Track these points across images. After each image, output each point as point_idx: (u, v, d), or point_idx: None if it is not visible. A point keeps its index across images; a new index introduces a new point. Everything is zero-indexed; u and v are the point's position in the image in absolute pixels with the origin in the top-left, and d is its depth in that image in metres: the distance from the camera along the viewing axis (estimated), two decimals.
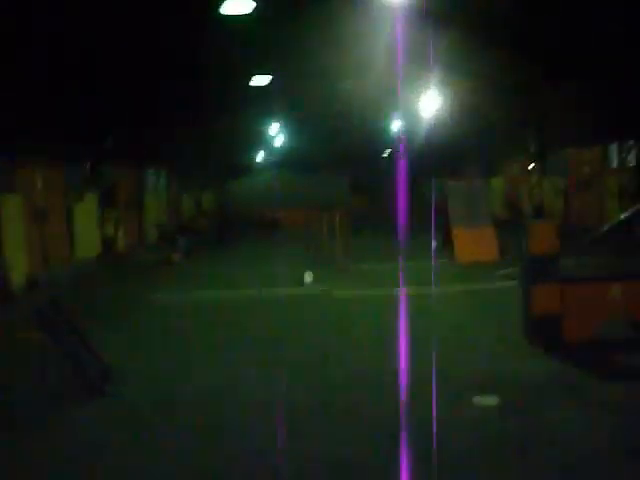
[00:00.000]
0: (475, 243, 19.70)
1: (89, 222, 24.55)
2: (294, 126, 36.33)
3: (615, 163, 27.43)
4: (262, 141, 41.53)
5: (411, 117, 31.97)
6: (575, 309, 9.49)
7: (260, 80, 23.72)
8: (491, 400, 7.49)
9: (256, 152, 48.11)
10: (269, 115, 32.93)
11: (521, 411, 7.25)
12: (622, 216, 21.10)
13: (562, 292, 9.51)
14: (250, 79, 23.49)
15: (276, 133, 38.55)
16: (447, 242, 21.14)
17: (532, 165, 31.64)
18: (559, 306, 9.50)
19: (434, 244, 22.10)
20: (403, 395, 7.57)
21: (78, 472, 6.31)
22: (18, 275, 17.68)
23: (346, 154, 43.48)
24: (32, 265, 19.03)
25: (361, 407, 7.66)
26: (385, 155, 45.10)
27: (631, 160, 26.00)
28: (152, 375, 9.30)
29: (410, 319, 11.75)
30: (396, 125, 35.33)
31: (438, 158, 36.14)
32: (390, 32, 18.15)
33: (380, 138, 38.58)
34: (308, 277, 17.45)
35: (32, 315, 8.41)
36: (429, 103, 28.40)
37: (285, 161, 47.06)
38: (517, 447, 6.36)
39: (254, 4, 14.14)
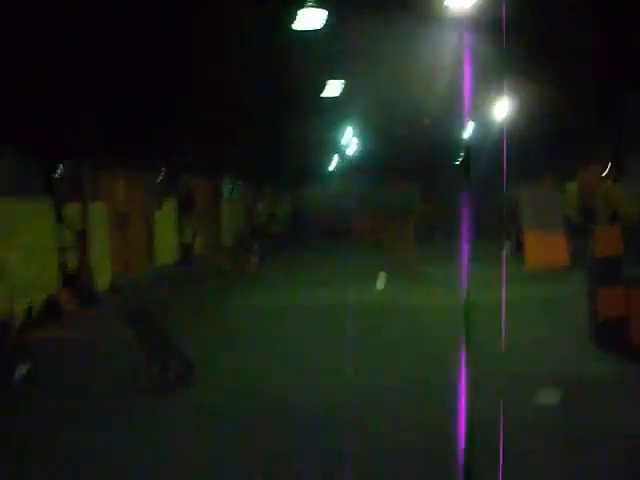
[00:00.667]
0: (546, 248, 19.75)
1: (168, 229, 25.45)
2: (367, 134, 36.72)
3: None
4: (335, 148, 42.04)
5: (484, 123, 32.02)
6: None
7: (333, 89, 24.23)
8: (555, 400, 7.74)
9: (329, 159, 48.68)
10: (342, 123, 33.43)
11: (582, 408, 7.49)
12: None
13: (627, 295, 9.67)
14: (323, 88, 24.02)
15: (349, 141, 39.02)
16: (520, 248, 21.23)
17: (608, 169, 31.32)
18: (624, 309, 9.67)
19: (506, 250, 22.25)
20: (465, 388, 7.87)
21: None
22: (102, 279, 18.58)
23: (418, 162, 43.64)
24: (115, 270, 19.94)
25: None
26: (457, 162, 45.08)
27: None
28: (232, 371, 9.89)
29: (478, 322, 12.06)
30: (468, 132, 35.40)
31: (512, 164, 35.98)
32: (461, 39, 18.42)
33: (452, 146, 38.64)
34: (380, 283, 17.83)
35: (123, 315, 9.04)
36: (502, 108, 28.47)
37: (358, 168, 47.46)
38: (573, 439, 6.69)
39: (324, 17, 14.55)
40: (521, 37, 20.59)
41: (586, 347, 10.03)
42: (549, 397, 7.82)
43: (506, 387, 8.00)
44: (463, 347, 9.79)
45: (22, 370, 9.57)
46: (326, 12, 14.41)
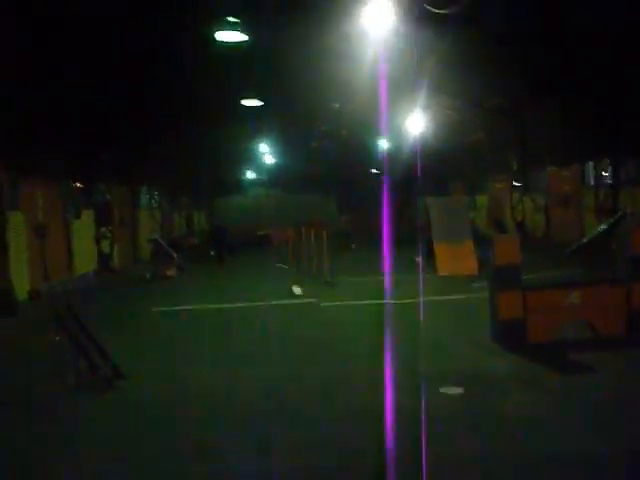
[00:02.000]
0: (455, 257, 20.67)
1: (86, 238, 25.49)
2: (283, 145, 37.33)
3: (592, 181, 28.55)
4: (251, 159, 42.53)
5: (397, 136, 33.04)
6: (537, 314, 10.52)
7: (250, 100, 24.73)
8: (456, 390, 8.52)
9: (245, 170, 49.16)
10: (258, 133, 33.95)
11: (479, 398, 8.30)
12: (596, 230, 22.27)
13: (524, 299, 10.55)
14: (240, 98, 24.49)
15: (265, 151, 39.57)
16: (431, 257, 22.12)
17: (514, 183, 32.79)
18: (522, 311, 10.54)
19: (418, 259, 23.18)
20: (375, 383, 8.57)
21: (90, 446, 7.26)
22: (21, 289, 18.62)
23: (334, 173, 44.52)
24: (34, 279, 19.98)
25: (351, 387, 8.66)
26: (374, 171, 46.12)
27: (606, 178, 27.16)
28: (154, 373, 10.37)
29: (390, 324, 12.93)
30: (383, 144, 36.39)
31: (424, 176, 37.21)
32: (376, 53, 19.20)
33: (367, 157, 39.61)
34: (297, 289, 18.47)
35: (52, 318, 9.40)
36: (415, 122, 29.49)
37: (274, 179, 48.07)
38: (471, 424, 7.48)
39: (245, 37, 15.09)
40: (435, 50, 21.58)
41: (488, 345, 10.86)
42: (454, 389, 8.58)
43: (412, 381, 8.72)
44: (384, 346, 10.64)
45: None
46: (245, 36, 14.90)
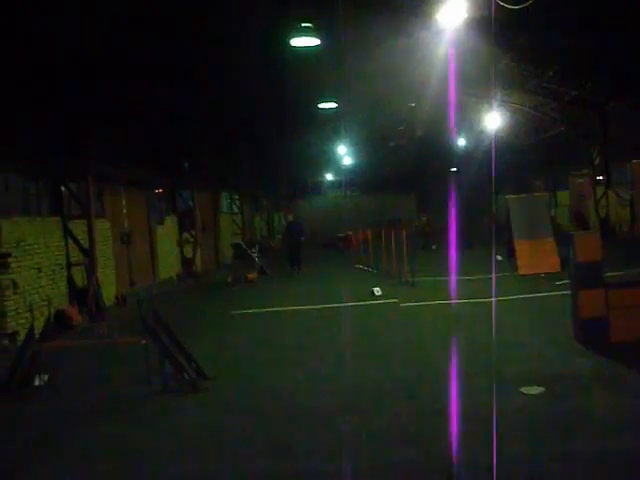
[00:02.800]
0: (536, 256, 20.38)
1: (170, 244, 26.12)
2: (361, 146, 37.41)
3: None
4: (330, 161, 42.76)
5: (475, 134, 32.77)
6: (619, 312, 10.31)
7: (328, 104, 24.93)
8: (537, 390, 8.45)
9: (324, 172, 49.46)
10: (336, 136, 34.14)
11: (560, 398, 8.20)
12: None
13: (606, 297, 10.36)
14: (317, 102, 24.72)
15: (343, 153, 39.73)
16: (511, 255, 21.88)
17: (597, 177, 32.07)
18: (604, 310, 10.35)
19: (498, 257, 22.96)
20: (456, 383, 8.58)
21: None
22: (108, 294, 19.23)
23: (412, 173, 44.36)
24: (120, 284, 20.61)
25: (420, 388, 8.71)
26: (453, 170, 45.77)
27: None
28: (236, 374, 10.65)
29: (469, 324, 12.92)
30: (460, 142, 36.13)
31: (504, 173, 36.77)
32: (451, 52, 19.14)
33: (446, 156, 39.35)
34: (377, 290, 18.54)
35: (138, 323, 9.74)
36: (493, 119, 29.20)
37: (353, 180, 48.19)
38: (552, 423, 7.40)
39: (318, 41, 15.27)
40: (510, 51, 21.35)
41: (569, 344, 10.70)
42: (535, 388, 8.52)
43: (494, 381, 8.68)
44: (455, 345, 10.64)
45: (43, 378, 10.24)
46: (318, 41, 15.05)
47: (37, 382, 10.21)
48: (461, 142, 36.10)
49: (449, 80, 19.90)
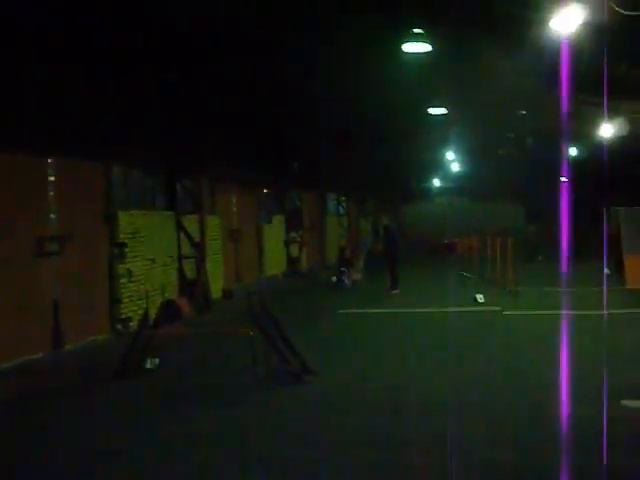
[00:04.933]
0: None
1: (276, 242, 26.72)
2: (470, 153, 37.15)
3: None
4: (439, 167, 42.60)
5: (588, 143, 32.07)
6: None
7: (438, 109, 24.96)
8: (638, 404, 8.40)
9: (432, 178, 49.27)
10: (446, 142, 34.03)
11: None
12: None
13: None
14: (427, 109, 24.78)
15: (452, 159, 39.53)
16: (620, 269, 21.43)
17: None
18: None
19: (606, 270, 22.47)
20: (558, 391, 8.61)
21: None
22: (215, 288, 19.89)
23: (522, 182, 43.68)
24: (227, 279, 21.28)
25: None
26: (564, 180, 44.74)
27: None
28: (338, 369, 10.99)
29: (572, 335, 12.78)
30: (573, 152, 35.38)
31: (617, 185, 35.74)
32: (563, 58, 18.90)
33: (556, 166, 38.58)
34: (480, 297, 18.51)
35: (245, 315, 10.20)
36: (606, 129, 28.53)
37: (460, 187, 47.85)
38: None
39: (430, 47, 15.40)
40: (622, 59, 20.90)
41: None
42: (636, 402, 8.48)
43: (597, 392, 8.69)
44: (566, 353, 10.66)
45: (154, 362, 10.81)
46: (429, 47, 15.19)
47: (149, 365, 10.79)
48: (573, 152, 35.34)
49: (562, 87, 19.61)
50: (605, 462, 6.46)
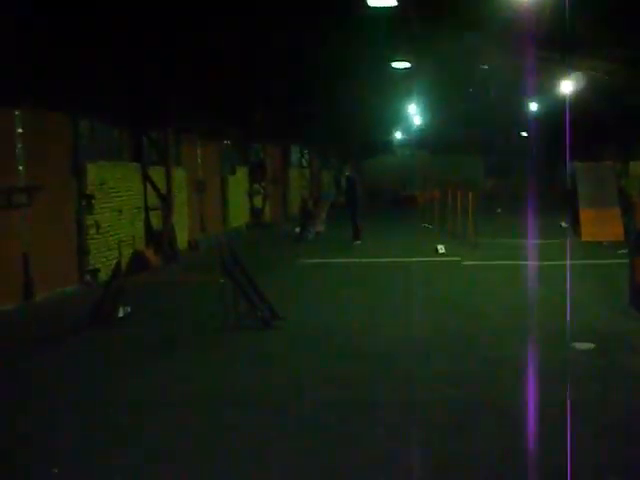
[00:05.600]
0: (601, 223, 20.58)
1: (240, 194, 26.95)
2: (431, 106, 37.43)
3: None
4: (400, 120, 42.85)
5: (547, 99, 32.53)
6: None
7: (400, 62, 25.15)
8: (587, 346, 8.98)
9: (394, 131, 49.55)
10: (408, 95, 34.26)
11: (607, 354, 8.79)
12: None
13: None
14: (390, 61, 24.97)
15: (414, 113, 39.80)
16: (576, 222, 22.07)
17: None
18: None
19: (563, 224, 23.17)
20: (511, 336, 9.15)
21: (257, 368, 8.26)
22: (181, 239, 20.15)
23: (482, 136, 44.20)
24: (192, 230, 21.54)
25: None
26: (523, 134, 45.37)
27: None
28: (303, 314, 11.52)
29: (528, 284, 13.40)
30: (532, 107, 35.87)
31: (573, 141, 36.31)
32: (526, 13, 19.18)
33: (516, 121, 39.10)
34: (441, 248, 19.02)
35: (214, 264, 10.56)
36: (566, 85, 29.00)
37: (422, 141, 48.23)
38: (595, 375, 7.99)
39: (395, 1, 15.63)
40: (588, 15, 21.21)
41: (623, 309, 11.13)
42: (585, 345, 9.06)
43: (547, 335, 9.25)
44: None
45: (126, 310, 11.13)
46: (394, 1, 15.42)
47: (121, 313, 11.09)
48: (533, 107, 35.84)
49: (522, 42, 19.92)
50: (556, 395, 6.99)
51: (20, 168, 13.45)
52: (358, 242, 21.91)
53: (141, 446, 6.28)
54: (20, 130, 13.49)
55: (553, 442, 5.96)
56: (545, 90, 30.10)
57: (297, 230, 24.54)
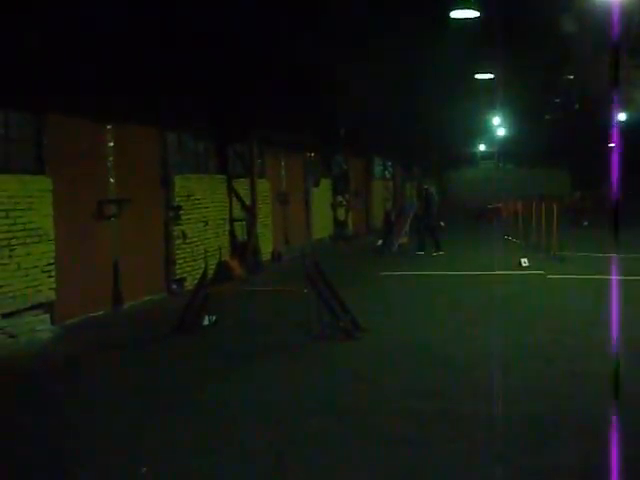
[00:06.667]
0: None
1: (324, 206, 27.19)
2: (516, 118, 37.00)
3: None
4: (484, 132, 42.48)
5: (637, 109, 31.76)
6: None
7: (485, 74, 25.00)
8: None
9: (478, 143, 49.13)
10: (492, 107, 33.96)
11: None
12: None
13: None
14: (474, 74, 24.84)
15: (498, 124, 39.41)
16: None
17: None
18: None
19: None
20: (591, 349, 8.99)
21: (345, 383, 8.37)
22: (265, 250, 20.45)
23: (568, 147, 43.37)
24: (276, 242, 21.83)
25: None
26: (612, 146, 44.25)
27: None
28: (385, 326, 11.52)
29: (613, 299, 13.08)
30: (621, 117, 35.04)
31: None
32: (611, 23, 18.84)
33: (605, 132, 38.24)
34: (524, 261, 18.77)
35: (296, 276, 10.73)
36: None
37: (506, 152, 47.66)
38: None
39: (478, 13, 15.58)
40: None
41: None
42: None
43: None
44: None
45: (210, 319, 11.39)
46: (477, 13, 15.36)
47: (206, 322, 11.37)
48: (622, 118, 35.01)
49: (612, 52, 19.55)
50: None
51: (111, 180, 13.95)
52: (441, 252, 21.91)
53: (221, 453, 6.40)
54: (111, 144, 13.99)
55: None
56: (635, 100, 29.42)
57: (380, 242, 24.58)
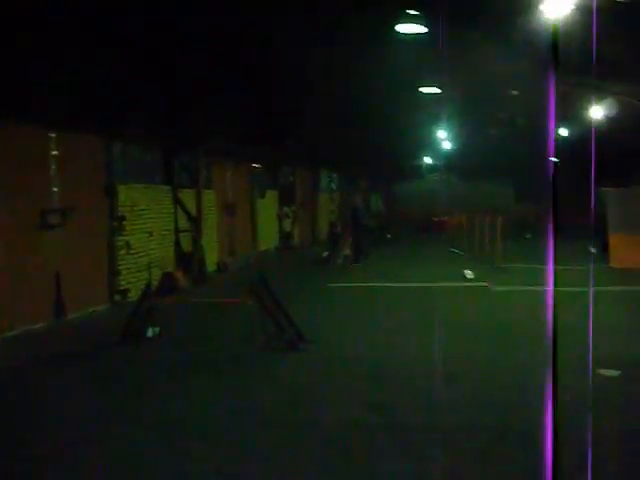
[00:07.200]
0: (631, 249, 20.46)
1: (269, 217, 27.15)
2: (460, 132, 37.43)
3: None
4: (429, 145, 42.87)
5: (576, 125, 32.40)
6: None
7: (430, 88, 25.26)
8: (612, 373, 8.96)
9: (423, 156, 49.53)
10: (437, 120, 34.31)
11: (632, 381, 8.84)
12: None
13: None
14: (419, 87, 25.09)
15: (443, 138, 39.84)
16: (606, 249, 21.93)
17: None
18: None
19: (592, 250, 22.98)
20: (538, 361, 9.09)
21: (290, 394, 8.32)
22: (210, 261, 20.33)
23: (511, 161, 44.03)
24: (222, 253, 21.72)
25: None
26: (554, 160, 45.03)
27: None
28: (330, 338, 11.56)
29: (559, 310, 13.25)
30: (563, 132, 35.74)
31: (604, 167, 36.04)
32: (553, 40, 19.24)
33: (545, 146, 38.88)
34: (468, 273, 19.01)
35: (244, 285, 10.68)
36: (595, 111, 28.90)
37: (451, 165, 48.14)
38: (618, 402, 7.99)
39: (425, 29, 15.72)
40: (614, 45, 21.23)
41: None
42: (611, 371, 9.07)
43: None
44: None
45: (154, 330, 11.27)
46: (424, 28, 15.50)
47: (149, 334, 11.25)
48: (562, 133, 35.69)
49: (550, 69, 19.94)
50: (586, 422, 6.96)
51: (54, 189, 13.71)
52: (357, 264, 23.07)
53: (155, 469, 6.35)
54: (54, 152, 13.77)
55: (577, 471, 5.95)
56: (576, 115, 30.02)
57: (325, 254, 24.64)
